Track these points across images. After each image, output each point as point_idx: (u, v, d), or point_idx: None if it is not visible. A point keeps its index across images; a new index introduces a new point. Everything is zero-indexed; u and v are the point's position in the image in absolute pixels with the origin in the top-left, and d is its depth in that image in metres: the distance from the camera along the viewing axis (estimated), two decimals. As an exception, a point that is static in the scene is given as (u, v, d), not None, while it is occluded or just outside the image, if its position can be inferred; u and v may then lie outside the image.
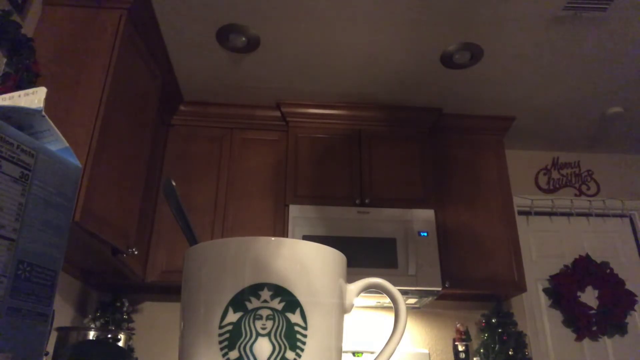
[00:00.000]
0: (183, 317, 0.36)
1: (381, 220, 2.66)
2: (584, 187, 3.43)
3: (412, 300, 2.71)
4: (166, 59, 2.55)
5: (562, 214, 3.35)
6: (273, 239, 0.35)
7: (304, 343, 0.33)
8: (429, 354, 2.79)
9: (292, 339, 0.33)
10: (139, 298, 2.81)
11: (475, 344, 2.82)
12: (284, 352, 0.33)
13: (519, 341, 2.74)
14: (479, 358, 2.76)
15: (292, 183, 2.77)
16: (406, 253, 2.58)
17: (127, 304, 2.67)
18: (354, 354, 2.68)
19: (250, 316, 0.33)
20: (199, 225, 2.64)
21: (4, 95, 0.36)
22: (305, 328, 0.33)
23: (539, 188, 3.41)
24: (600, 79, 2.69)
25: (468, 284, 2.69)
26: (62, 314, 2.40)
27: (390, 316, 2.76)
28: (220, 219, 2.70)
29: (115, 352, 1.60)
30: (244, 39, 2.40)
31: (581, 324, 3.04)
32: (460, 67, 2.60)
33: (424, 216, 2.69)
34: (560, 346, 3.04)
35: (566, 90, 2.80)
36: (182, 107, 2.95)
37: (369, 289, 0.40)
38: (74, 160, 0.37)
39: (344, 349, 0.38)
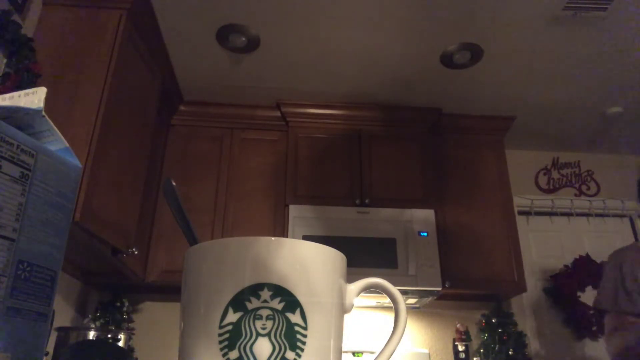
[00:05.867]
0: (183, 317, 0.36)
1: (381, 220, 2.66)
2: (584, 187, 3.43)
3: (412, 300, 2.71)
4: (166, 59, 2.55)
5: (562, 214, 3.35)
6: (273, 239, 0.35)
7: (304, 343, 0.33)
8: (429, 354, 2.79)
9: (292, 339, 0.33)
10: (139, 298, 2.81)
11: (475, 344, 2.81)
12: (284, 352, 0.33)
13: (519, 341, 2.74)
14: (479, 358, 2.76)
15: (292, 183, 2.77)
16: (406, 253, 2.58)
17: (127, 304, 2.67)
18: (354, 354, 2.68)
19: (250, 316, 0.33)
20: (199, 225, 2.64)
21: (4, 95, 0.36)
22: (305, 328, 0.33)
23: (539, 188, 3.41)
24: (600, 79, 2.69)
25: (468, 284, 2.69)
26: (62, 314, 2.40)
27: (390, 316, 2.76)
28: (220, 219, 2.70)
29: (115, 352, 1.60)
30: (244, 39, 2.39)
31: (581, 324, 3.04)
32: (460, 67, 2.60)
33: (424, 216, 2.69)
34: (560, 346, 3.04)
35: (566, 90, 2.80)
36: (182, 107, 2.95)
37: (369, 289, 0.40)
38: (74, 160, 0.37)
39: (344, 349, 0.38)
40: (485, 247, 2.78)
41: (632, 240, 3.30)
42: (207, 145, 2.89)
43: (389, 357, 0.38)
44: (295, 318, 0.33)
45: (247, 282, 0.33)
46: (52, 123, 0.35)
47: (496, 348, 2.72)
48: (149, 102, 2.37)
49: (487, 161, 3.01)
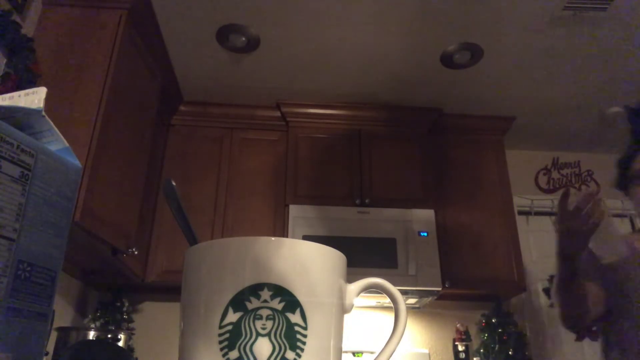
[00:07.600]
0: (183, 317, 0.36)
1: (381, 220, 2.66)
2: (584, 187, 3.43)
3: (412, 300, 2.71)
4: (166, 59, 2.55)
5: (562, 214, 3.34)
6: (273, 239, 0.35)
7: (304, 343, 0.33)
8: (429, 354, 2.79)
9: (292, 339, 0.33)
10: (139, 298, 2.81)
11: (475, 344, 2.81)
12: (284, 352, 0.32)
13: (519, 341, 2.74)
14: (479, 358, 2.76)
15: (292, 183, 2.77)
16: (406, 253, 2.58)
17: (127, 304, 2.67)
18: (354, 354, 2.68)
19: (250, 316, 0.33)
20: (199, 225, 2.64)
21: (4, 95, 0.36)
22: (305, 328, 0.33)
23: (539, 188, 3.41)
24: (600, 79, 2.69)
25: (468, 284, 2.69)
26: (62, 314, 2.40)
27: (390, 316, 2.75)
28: (220, 219, 2.70)
29: (115, 352, 1.60)
30: (244, 39, 2.39)
31: (581, 324, 3.03)
32: (460, 67, 2.60)
33: (424, 216, 2.69)
34: (560, 346, 3.04)
35: (566, 90, 2.80)
36: (182, 107, 2.95)
37: (369, 289, 0.40)
38: (74, 160, 0.37)
39: (344, 349, 0.38)
40: (485, 247, 2.78)
41: (632, 240, 3.30)
42: (207, 145, 2.89)
43: (389, 357, 0.38)
44: (295, 318, 0.33)
45: (247, 282, 0.33)
46: (52, 123, 0.35)
47: (496, 348, 2.71)
48: (149, 102, 2.37)
49: (487, 161, 3.01)
